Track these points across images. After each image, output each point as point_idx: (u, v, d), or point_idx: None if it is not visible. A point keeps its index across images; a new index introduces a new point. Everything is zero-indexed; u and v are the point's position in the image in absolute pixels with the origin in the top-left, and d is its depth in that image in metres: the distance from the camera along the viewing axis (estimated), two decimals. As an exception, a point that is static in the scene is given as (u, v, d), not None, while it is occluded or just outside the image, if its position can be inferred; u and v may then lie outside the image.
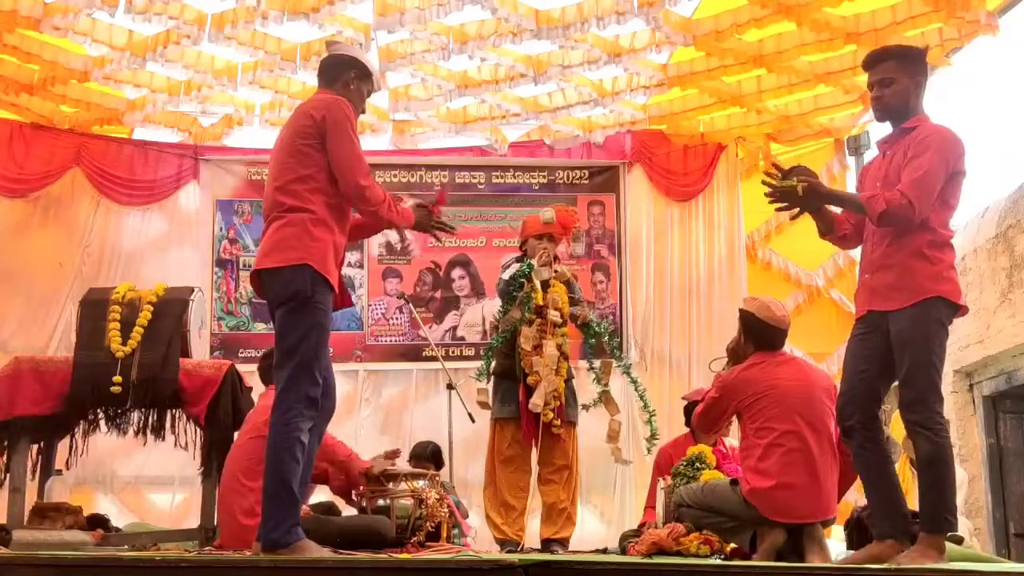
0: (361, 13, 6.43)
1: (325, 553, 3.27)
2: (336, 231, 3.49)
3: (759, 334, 4.10)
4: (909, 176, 3.39)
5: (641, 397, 5.33)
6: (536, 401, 4.95)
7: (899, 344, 3.40)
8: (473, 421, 5.91)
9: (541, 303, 5.10)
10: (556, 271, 5.29)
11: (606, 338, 5.31)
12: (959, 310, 3.46)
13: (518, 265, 5.29)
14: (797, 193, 3.47)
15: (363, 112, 3.79)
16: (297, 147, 3.50)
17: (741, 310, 4.21)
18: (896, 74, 3.55)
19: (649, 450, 5.39)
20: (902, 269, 3.42)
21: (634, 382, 5.36)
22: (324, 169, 3.47)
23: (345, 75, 3.66)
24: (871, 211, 3.42)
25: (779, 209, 3.60)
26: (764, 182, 3.56)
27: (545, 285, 5.19)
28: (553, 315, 5.10)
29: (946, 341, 3.46)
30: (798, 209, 3.58)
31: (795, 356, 4.27)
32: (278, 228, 3.45)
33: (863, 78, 6.96)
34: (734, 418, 5.12)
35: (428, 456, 5.81)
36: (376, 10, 6.18)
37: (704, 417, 4.24)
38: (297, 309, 3.37)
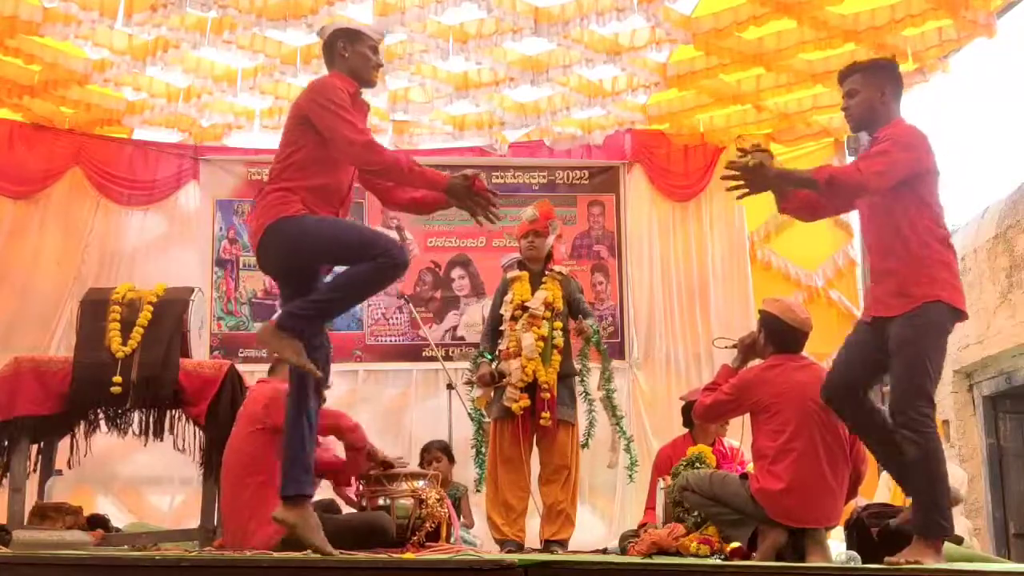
0: (360, 14, 6.43)
1: (319, 538, 3.33)
2: (314, 204, 3.51)
3: (781, 336, 4.10)
4: (864, 155, 3.50)
5: (618, 423, 5.32)
6: (506, 404, 4.98)
7: (894, 347, 3.45)
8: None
9: (527, 299, 5.15)
10: (551, 271, 5.31)
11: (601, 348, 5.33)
12: (960, 315, 3.48)
13: (516, 262, 5.37)
14: (749, 168, 3.52)
15: (379, 65, 3.80)
16: (285, 134, 3.63)
17: (763, 311, 4.19)
18: (859, 85, 3.66)
19: (632, 478, 5.43)
20: (903, 275, 3.47)
21: (615, 409, 5.34)
22: (302, 148, 3.53)
23: (336, 50, 3.69)
24: (819, 178, 3.49)
25: (729, 188, 3.63)
26: (727, 164, 3.63)
27: (537, 283, 5.22)
28: (535, 308, 5.10)
29: (944, 345, 3.50)
30: (747, 190, 3.60)
31: (814, 362, 4.25)
32: (253, 208, 3.69)
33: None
34: (732, 418, 5.13)
35: (439, 447, 5.87)
36: (376, 10, 6.18)
37: (712, 410, 4.23)
38: (306, 244, 3.48)
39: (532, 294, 5.18)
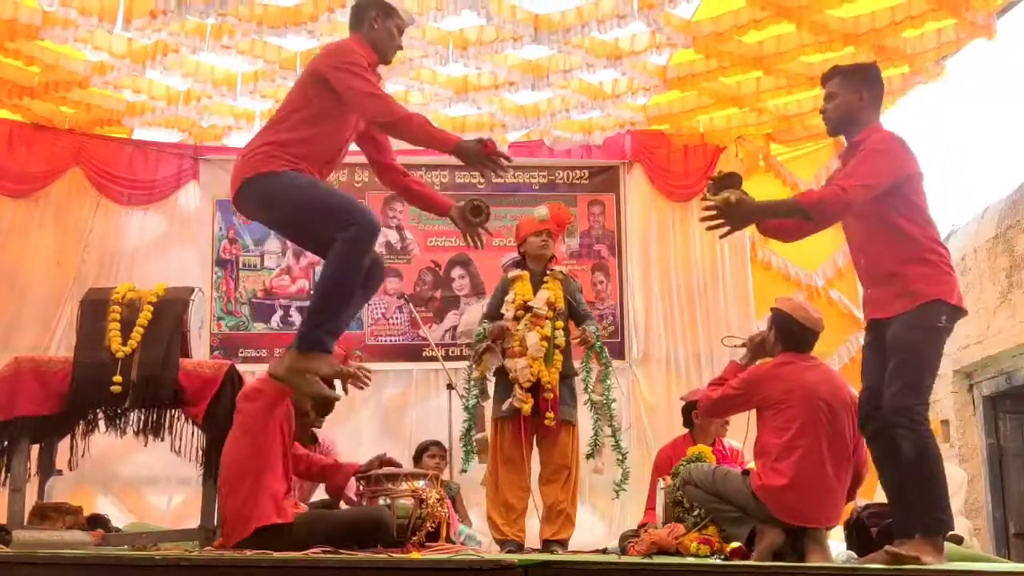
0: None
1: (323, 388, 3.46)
2: (300, 158, 3.56)
3: (792, 334, 4.10)
4: (846, 171, 3.48)
5: (613, 435, 5.22)
6: (516, 406, 4.95)
7: (892, 344, 3.46)
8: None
9: (529, 299, 5.13)
10: (551, 270, 5.30)
11: (601, 353, 5.28)
12: (960, 312, 3.48)
13: (517, 264, 5.33)
14: (731, 204, 3.44)
15: (400, 47, 3.89)
16: (293, 91, 3.70)
17: (775, 309, 4.19)
18: (838, 89, 3.66)
19: (617, 495, 5.32)
20: (902, 276, 3.46)
21: (611, 419, 5.23)
22: (307, 106, 3.57)
23: (367, 18, 3.73)
24: (804, 204, 3.48)
25: (711, 228, 3.55)
26: (703, 198, 3.57)
27: (539, 282, 5.21)
28: (538, 308, 5.09)
29: (942, 343, 3.49)
30: (729, 228, 3.54)
31: (823, 362, 4.25)
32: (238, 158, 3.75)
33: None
34: (730, 418, 5.12)
35: (439, 446, 5.90)
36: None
37: (719, 404, 4.23)
38: (277, 206, 3.61)
39: (534, 294, 5.17)
